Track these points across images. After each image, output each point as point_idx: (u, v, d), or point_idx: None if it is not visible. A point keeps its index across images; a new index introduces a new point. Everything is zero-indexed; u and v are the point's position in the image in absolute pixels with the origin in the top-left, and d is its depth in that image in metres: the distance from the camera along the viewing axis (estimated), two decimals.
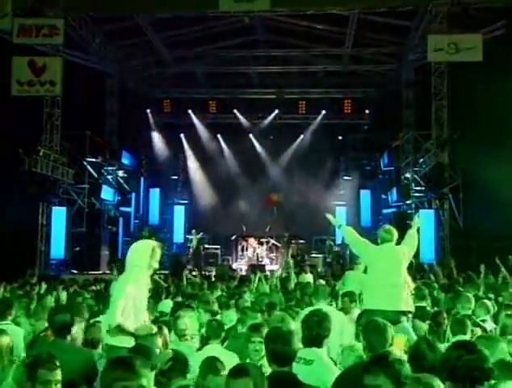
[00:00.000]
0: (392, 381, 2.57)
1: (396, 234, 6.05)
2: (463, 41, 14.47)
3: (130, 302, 4.79)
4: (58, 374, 3.41)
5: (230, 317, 5.88)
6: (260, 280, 9.76)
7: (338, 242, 21.33)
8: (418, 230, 6.45)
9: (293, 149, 23.58)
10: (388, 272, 5.78)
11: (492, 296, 7.67)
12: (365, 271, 6.97)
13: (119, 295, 4.81)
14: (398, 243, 6.09)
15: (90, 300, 7.92)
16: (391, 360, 2.69)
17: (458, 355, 2.84)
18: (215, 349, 4.63)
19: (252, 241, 20.84)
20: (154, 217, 23.67)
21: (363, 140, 22.90)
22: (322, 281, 10.04)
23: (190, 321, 5.29)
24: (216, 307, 6.48)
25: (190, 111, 23.24)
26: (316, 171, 22.72)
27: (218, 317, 5.93)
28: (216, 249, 20.96)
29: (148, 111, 23.23)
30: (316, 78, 22.02)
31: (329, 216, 6.57)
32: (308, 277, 11.84)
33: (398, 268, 5.84)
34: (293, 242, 20.60)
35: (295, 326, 4.47)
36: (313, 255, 20.32)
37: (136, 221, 22.96)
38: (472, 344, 2.99)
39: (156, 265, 5.02)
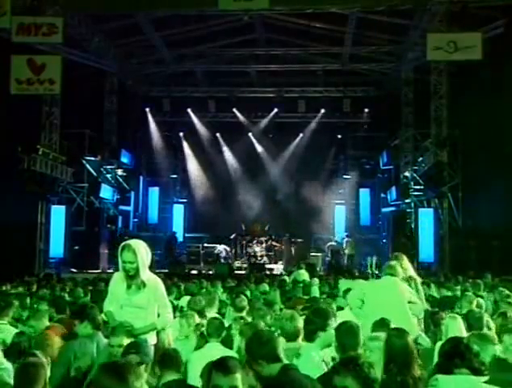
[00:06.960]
0: (360, 382, 2.64)
1: (400, 272, 5.87)
2: (463, 40, 14.40)
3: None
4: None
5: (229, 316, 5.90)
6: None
7: (338, 240, 21.38)
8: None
9: (292, 147, 23.56)
10: (383, 306, 5.38)
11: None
12: None
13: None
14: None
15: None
16: (360, 362, 2.75)
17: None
18: (215, 348, 4.67)
19: (250, 239, 20.79)
20: (153, 215, 23.68)
21: (362, 138, 22.89)
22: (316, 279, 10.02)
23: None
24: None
25: (189, 110, 23.23)
26: (315, 170, 22.73)
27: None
28: (215, 248, 20.92)
29: (147, 109, 23.19)
30: (316, 77, 21.97)
31: None
32: (304, 274, 11.90)
33: (395, 303, 5.45)
34: (293, 240, 20.58)
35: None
36: (312, 254, 20.29)
37: (136, 219, 22.97)
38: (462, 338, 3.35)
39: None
